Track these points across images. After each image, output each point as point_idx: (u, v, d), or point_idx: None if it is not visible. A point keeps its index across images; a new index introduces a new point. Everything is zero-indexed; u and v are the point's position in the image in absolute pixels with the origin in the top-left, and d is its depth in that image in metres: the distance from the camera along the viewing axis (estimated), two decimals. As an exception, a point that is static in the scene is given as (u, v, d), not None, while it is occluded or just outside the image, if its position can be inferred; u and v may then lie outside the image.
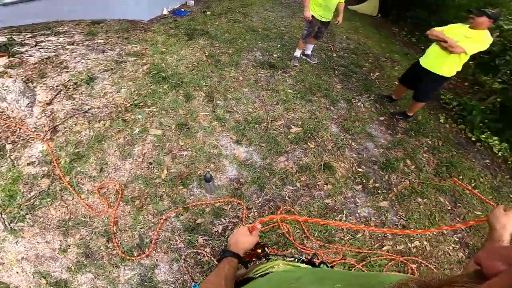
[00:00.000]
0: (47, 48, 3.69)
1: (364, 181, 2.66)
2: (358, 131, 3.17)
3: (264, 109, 3.16)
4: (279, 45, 4.67)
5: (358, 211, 2.41)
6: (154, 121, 2.80)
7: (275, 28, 5.46)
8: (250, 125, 2.91)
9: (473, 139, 3.61)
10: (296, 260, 0.90)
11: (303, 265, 0.87)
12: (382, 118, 3.49)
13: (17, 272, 1.84)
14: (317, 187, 2.49)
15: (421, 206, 2.58)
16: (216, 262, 1.23)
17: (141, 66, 3.59)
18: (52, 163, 2.32)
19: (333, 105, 3.47)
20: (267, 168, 2.54)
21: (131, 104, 2.95)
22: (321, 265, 0.87)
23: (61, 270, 1.85)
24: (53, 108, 2.82)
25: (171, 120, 2.83)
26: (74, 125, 2.68)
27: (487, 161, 3.39)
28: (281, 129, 2.95)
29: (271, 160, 2.62)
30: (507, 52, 3.95)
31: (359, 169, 2.76)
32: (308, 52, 4.40)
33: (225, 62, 3.88)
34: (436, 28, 2.90)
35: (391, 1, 9.29)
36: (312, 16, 3.60)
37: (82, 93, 3.01)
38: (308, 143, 2.85)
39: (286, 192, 2.41)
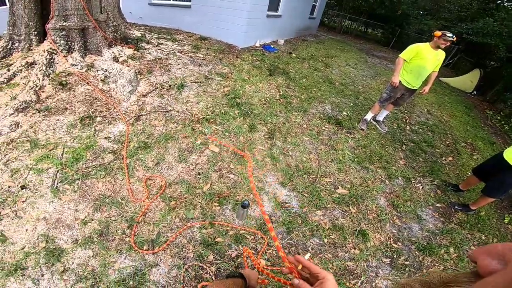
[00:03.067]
0: (162, 50, 4.50)
1: (395, 256, 2.40)
2: (407, 211, 2.91)
3: (317, 162, 3.19)
4: (351, 104, 4.72)
5: (376, 281, 2.17)
6: (221, 140, 3.08)
7: (352, 85, 5.55)
8: (300, 173, 2.96)
9: None
10: None
11: None
12: (438, 205, 3.14)
13: (26, 230, 1.92)
14: (344, 248, 2.35)
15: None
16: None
17: (223, 87, 4.06)
18: (123, 144, 2.73)
19: (389, 179, 3.28)
20: (301, 216, 2.52)
21: (203, 117, 3.34)
22: None
23: (68, 240, 1.91)
24: (145, 100, 3.39)
25: (231, 143, 3.08)
26: (153, 119, 3.15)
27: None
28: (327, 186, 2.93)
29: (308, 210, 2.60)
30: None
31: (394, 245, 2.50)
32: (380, 118, 4.24)
33: (295, 106, 4.09)
34: None
35: (492, 78, 8.41)
36: (399, 81, 3.54)
37: (171, 95, 3.55)
38: (350, 207, 2.75)
39: (311, 243, 2.34)
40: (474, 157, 4.42)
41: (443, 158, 4.11)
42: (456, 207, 3.18)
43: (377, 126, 4.25)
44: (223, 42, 5.97)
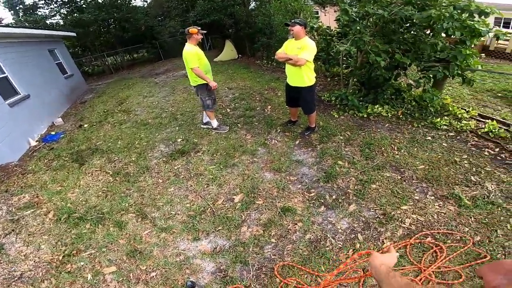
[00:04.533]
0: None
1: (322, 200, 2.81)
2: (288, 165, 3.40)
3: (199, 197, 3.05)
4: (177, 128, 4.70)
5: (338, 227, 2.50)
6: (101, 261, 2.37)
7: (164, 112, 5.51)
8: (196, 217, 2.75)
9: (365, 116, 4.41)
10: None
11: None
12: (297, 142, 3.87)
13: None
14: (290, 231, 2.50)
15: (379, 190, 2.86)
16: None
17: (44, 215, 3.00)
18: None
19: (254, 156, 3.65)
20: (237, 245, 2.41)
21: (63, 256, 2.45)
22: None
23: None
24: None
25: (118, 253, 2.45)
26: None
27: (387, 125, 4.15)
28: (226, 205, 2.89)
29: (235, 235, 2.51)
30: (331, 43, 5.05)
31: (311, 194, 2.91)
32: (206, 119, 4.53)
33: (135, 172, 3.62)
34: (279, 51, 3.43)
35: (239, 40, 10.93)
36: (205, 84, 3.85)
37: (1, 262, 2.39)
38: (256, 202, 2.87)
39: (269, 252, 2.32)
40: (279, 94, 5.66)
41: (266, 110, 5.00)
42: (305, 134, 4.01)
43: (208, 127, 4.57)
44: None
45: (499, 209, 2.51)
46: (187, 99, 6.11)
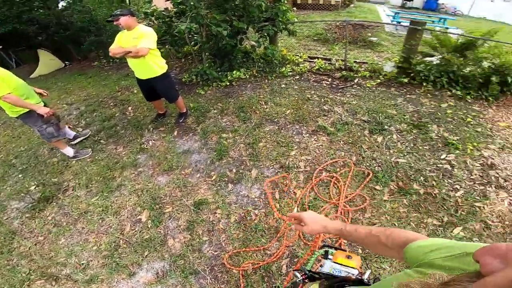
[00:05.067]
0: None
1: (226, 178, 2.79)
2: (177, 160, 3.14)
3: (101, 234, 2.44)
4: (20, 175, 3.36)
5: (252, 197, 2.56)
6: None
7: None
8: (114, 255, 2.25)
9: (228, 84, 4.57)
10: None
11: None
12: (175, 133, 3.60)
13: None
14: (215, 222, 2.40)
15: (267, 145, 3.08)
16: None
17: None
18: None
19: (136, 167, 3.14)
20: (175, 260, 2.16)
21: None
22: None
23: None
24: None
25: None
26: None
27: (249, 85, 4.45)
28: (136, 229, 2.43)
29: (168, 252, 2.22)
30: (171, 25, 4.86)
31: (213, 178, 2.83)
32: (71, 136, 3.74)
33: (1, 242, 2.53)
34: (111, 47, 2.98)
35: (58, 45, 8.84)
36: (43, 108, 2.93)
37: None
38: (165, 211, 2.55)
39: (209, 251, 2.20)
40: (135, 91, 4.98)
41: (127, 114, 4.33)
42: (179, 121, 3.75)
43: (80, 139, 3.78)
44: None
45: (353, 126, 3.24)
46: (14, 135, 4.44)
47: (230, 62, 4.87)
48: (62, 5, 8.94)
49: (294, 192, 2.57)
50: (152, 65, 3.08)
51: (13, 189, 3.18)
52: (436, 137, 2.97)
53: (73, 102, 5.18)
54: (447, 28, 7.37)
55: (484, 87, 3.55)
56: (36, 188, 3.11)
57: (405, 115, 3.34)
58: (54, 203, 2.86)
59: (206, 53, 4.92)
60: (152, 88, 3.32)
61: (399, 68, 4.19)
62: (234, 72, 4.74)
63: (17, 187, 3.20)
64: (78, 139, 3.76)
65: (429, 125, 3.13)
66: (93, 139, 3.78)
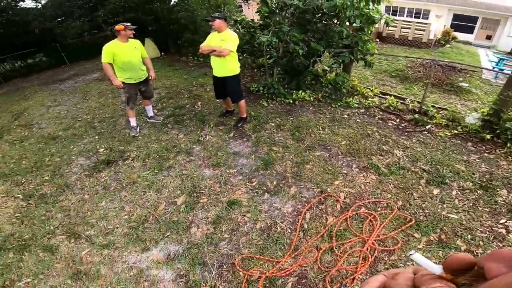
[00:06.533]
0: None
1: (265, 187, 2.89)
2: (226, 158, 3.37)
3: (137, 206, 2.76)
4: (96, 137, 4.12)
5: (285, 211, 2.60)
6: None
7: (77, 122, 4.75)
8: (139, 228, 2.51)
9: (291, 102, 4.69)
10: None
11: None
12: (231, 135, 3.87)
13: None
14: (240, 224, 2.49)
15: (313, 169, 3.08)
16: None
17: None
18: None
19: (189, 155, 3.49)
20: (190, 247, 2.30)
21: None
22: None
23: None
24: None
25: (61, 278, 2.13)
26: None
27: (311, 108, 4.51)
28: (169, 209, 2.70)
29: (187, 239, 2.38)
30: (254, 35, 5.25)
31: (253, 183, 2.96)
32: (150, 113, 4.37)
33: (52, 192, 3.07)
34: (202, 44, 3.47)
35: (161, 37, 10.25)
36: (123, 82, 3.56)
37: None
38: (200, 200, 2.77)
39: (225, 248, 2.28)
40: (207, 90, 5.51)
41: (196, 107, 4.83)
42: (238, 125, 4.03)
43: (154, 121, 4.35)
44: None
45: (409, 172, 3.01)
46: (105, 104, 5.41)
47: (299, 81, 5.00)
48: (175, 1, 10.37)
49: (326, 218, 2.51)
50: (229, 65, 3.48)
51: (85, 147, 3.87)
52: (502, 202, 2.57)
53: (158, 87, 6.01)
54: None
55: None
56: (104, 151, 3.72)
57: (474, 174, 2.93)
58: (112, 168, 3.38)
59: (278, 68, 5.17)
60: (223, 86, 3.70)
61: (484, 122, 3.68)
62: (300, 92, 4.85)
63: (90, 146, 3.88)
64: (152, 120, 4.37)
65: (498, 189, 2.70)
66: (163, 121, 4.34)
